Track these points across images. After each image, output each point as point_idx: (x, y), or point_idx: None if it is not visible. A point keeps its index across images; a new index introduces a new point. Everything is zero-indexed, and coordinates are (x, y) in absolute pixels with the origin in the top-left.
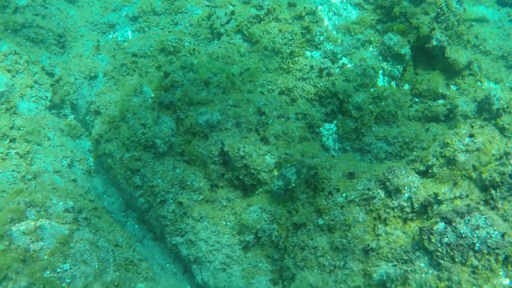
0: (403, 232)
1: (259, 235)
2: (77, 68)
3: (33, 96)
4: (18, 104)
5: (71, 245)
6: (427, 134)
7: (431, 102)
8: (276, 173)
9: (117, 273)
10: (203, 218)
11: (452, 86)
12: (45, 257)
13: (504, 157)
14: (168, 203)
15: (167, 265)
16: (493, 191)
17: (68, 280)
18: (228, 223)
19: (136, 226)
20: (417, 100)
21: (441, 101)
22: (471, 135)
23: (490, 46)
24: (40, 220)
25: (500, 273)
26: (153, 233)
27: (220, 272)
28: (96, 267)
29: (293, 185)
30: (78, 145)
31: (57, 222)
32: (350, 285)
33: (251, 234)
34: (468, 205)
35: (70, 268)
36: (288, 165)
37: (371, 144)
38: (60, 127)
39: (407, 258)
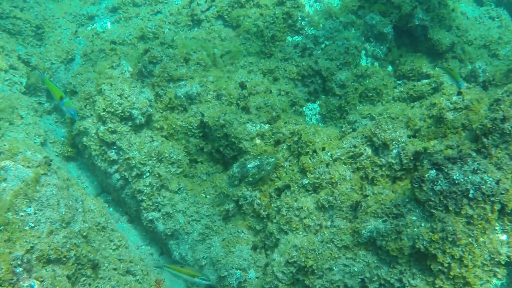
0: (392, 192)
1: (240, 203)
2: (54, 53)
3: (7, 80)
4: None
5: (37, 188)
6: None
7: (416, 82)
8: (258, 141)
9: (86, 224)
10: (181, 189)
11: (436, 68)
12: (8, 198)
13: (495, 104)
14: (144, 176)
15: (143, 247)
16: (484, 139)
17: (31, 224)
18: (208, 196)
19: (110, 209)
20: (399, 82)
21: (425, 80)
22: (459, 93)
23: (472, 37)
24: (4, 161)
25: (497, 228)
26: (128, 215)
27: (198, 244)
28: (63, 213)
29: (250, 179)
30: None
31: (23, 165)
32: (337, 244)
33: (231, 202)
34: (460, 151)
35: (35, 213)
36: (253, 158)
37: (355, 122)
38: (34, 106)
39: (397, 212)
